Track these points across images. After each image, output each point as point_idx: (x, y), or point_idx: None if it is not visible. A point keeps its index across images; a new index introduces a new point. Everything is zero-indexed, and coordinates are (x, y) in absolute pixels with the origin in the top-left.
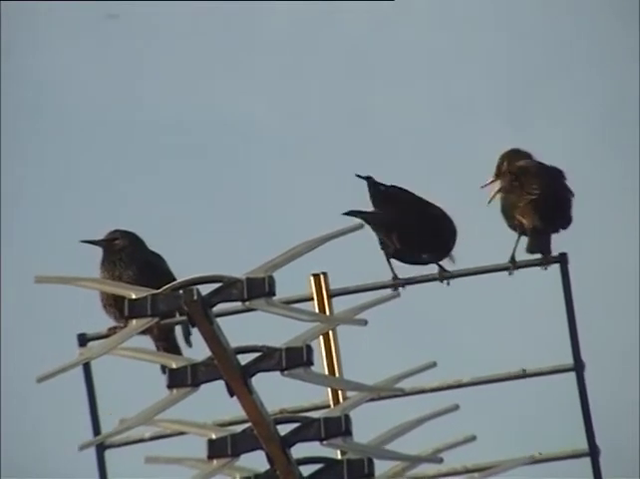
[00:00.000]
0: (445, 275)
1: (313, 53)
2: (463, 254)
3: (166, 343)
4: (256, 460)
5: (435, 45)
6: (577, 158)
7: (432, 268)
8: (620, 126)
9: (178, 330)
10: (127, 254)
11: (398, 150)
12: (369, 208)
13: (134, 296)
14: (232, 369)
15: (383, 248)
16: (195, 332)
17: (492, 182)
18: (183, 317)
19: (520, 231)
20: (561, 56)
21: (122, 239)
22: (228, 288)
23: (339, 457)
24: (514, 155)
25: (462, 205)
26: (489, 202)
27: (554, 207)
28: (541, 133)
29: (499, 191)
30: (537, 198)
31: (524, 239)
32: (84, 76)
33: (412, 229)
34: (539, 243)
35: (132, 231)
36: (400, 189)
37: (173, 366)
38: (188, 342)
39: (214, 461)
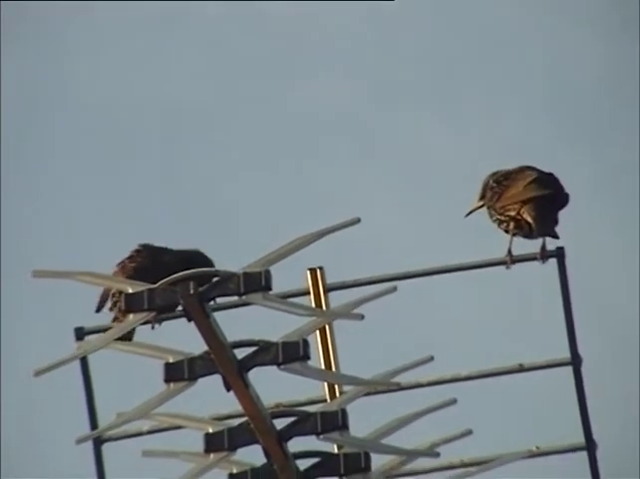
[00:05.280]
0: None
1: (239, 35)
2: (456, 250)
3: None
4: (253, 454)
5: (364, 30)
6: (518, 149)
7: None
8: (562, 113)
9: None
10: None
11: (326, 133)
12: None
13: (130, 291)
14: (229, 363)
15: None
16: (192, 326)
17: (478, 207)
18: (180, 312)
19: (515, 226)
20: (496, 43)
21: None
22: (225, 283)
23: (335, 451)
24: (494, 173)
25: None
26: (467, 215)
27: (549, 180)
28: (474, 123)
29: (482, 205)
30: (536, 176)
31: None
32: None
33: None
34: (545, 227)
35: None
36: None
37: (170, 360)
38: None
39: (211, 455)
